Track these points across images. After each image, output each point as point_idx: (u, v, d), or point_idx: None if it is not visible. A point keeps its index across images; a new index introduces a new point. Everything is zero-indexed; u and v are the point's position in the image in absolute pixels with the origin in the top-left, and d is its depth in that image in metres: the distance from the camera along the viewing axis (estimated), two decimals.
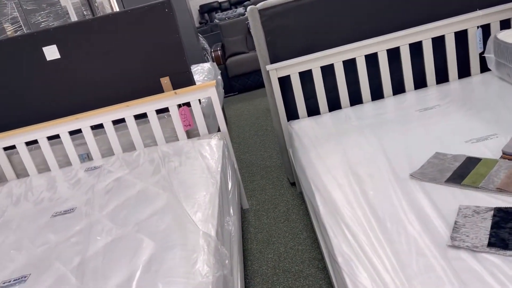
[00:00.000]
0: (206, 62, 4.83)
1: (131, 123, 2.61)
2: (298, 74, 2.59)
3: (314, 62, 2.57)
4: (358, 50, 2.54)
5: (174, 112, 2.60)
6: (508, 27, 2.53)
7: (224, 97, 5.86)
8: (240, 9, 9.54)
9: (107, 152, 2.72)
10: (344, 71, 2.63)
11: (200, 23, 12.66)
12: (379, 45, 2.53)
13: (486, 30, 2.55)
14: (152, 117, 2.60)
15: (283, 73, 2.59)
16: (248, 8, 2.51)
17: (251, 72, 5.72)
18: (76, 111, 2.68)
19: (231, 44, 5.95)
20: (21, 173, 2.75)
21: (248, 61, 5.69)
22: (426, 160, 1.73)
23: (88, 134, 2.61)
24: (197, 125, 2.65)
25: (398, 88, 2.67)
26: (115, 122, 2.73)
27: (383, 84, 2.63)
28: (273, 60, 2.62)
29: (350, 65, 2.62)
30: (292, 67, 2.58)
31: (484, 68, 2.59)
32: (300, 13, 2.52)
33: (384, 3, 2.51)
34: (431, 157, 1.74)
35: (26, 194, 2.36)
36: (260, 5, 2.51)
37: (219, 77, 4.31)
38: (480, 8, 2.51)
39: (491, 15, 2.48)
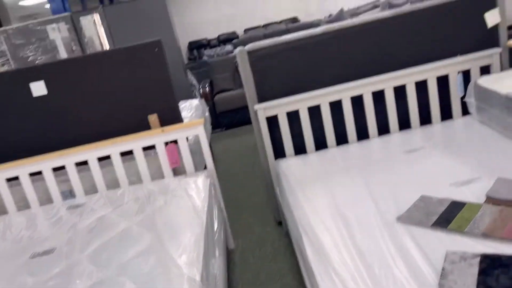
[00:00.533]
0: (194, 98, 4.87)
1: (116, 160, 2.58)
2: (285, 114, 2.62)
3: (301, 102, 2.61)
4: (344, 92, 2.59)
5: (160, 150, 2.59)
6: (487, 73, 2.62)
7: (212, 133, 5.88)
8: (229, 47, 9.72)
9: (91, 189, 2.68)
10: (331, 112, 2.67)
11: (189, 59, 12.88)
12: (365, 87, 2.59)
13: (466, 75, 2.64)
14: (138, 155, 2.58)
15: (270, 113, 2.62)
16: (237, 49, 2.57)
17: (238, 108, 5.78)
18: (62, 147, 2.65)
19: (220, 81, 6.03)
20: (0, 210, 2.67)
21: (236, 98, 5.76)
22: (413, 203, 1.74)
23: (72, 171, 2.57)
24: (184, 162, 2.64)
25: (383, 129, 2.72)
26: (100, 159, 2.70)
27: (369, 125, 2.67)
28: (261, 100, 2.65)
29: (336, 106, 2.67)
30: (280, 107, 2.61)
31: (465, 111, 2.66)
32: (288, 55, 2.58)
33: (370, 47, 2.59)
34: (417, 200, 1.75)
35: (5, 232, 2.28)
36: (249, 47, 2.57)
37: (207, 113, 4.34)
38: (461, 54, 2.60)
39: (471, 61, 2.58)
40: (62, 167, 2.69)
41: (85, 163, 2.71)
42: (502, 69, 2.62)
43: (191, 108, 3.91)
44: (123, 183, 2.62)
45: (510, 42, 2.59)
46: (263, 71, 2.61)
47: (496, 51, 2.57)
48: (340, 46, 2.58)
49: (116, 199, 2.42)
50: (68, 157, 2.55)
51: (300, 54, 2.59)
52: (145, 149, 2.70)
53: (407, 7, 2.57)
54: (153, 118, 2.62)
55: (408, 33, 2.58)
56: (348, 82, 2.62)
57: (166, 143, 2.66)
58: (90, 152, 2.55)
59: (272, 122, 2.70)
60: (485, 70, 2.63)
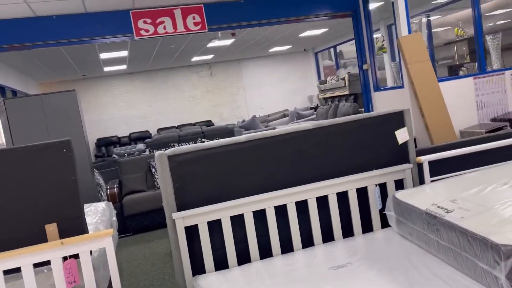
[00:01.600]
0: (100, 200, 4.44)
1: None
2: (206, 223, 2.42)
3: (223, 211, 2.44)
4: (268, 201, 2.50)
5: (57, 266, 2.17)
6: (401, 186, 2.74)
7: (118, 238, 5.33)
8: (141, 145, 9.47)
9: None
10: (254, 222, 2.53)
11: (96, 156, 12.21)
12: (288, 197, 2.53)
13: (383, 188, 2.73)
14: (27, 273, 2.13)
15: (190, 222, 2.40)
16: (156, 153, 2.40)
17: (148, 211, 5.40)
18: None
19: (130, 181, 5.68)
20: None
21: (147, 200, 5.40)
22: None
23: None
24: (85, 281, 2.23)
25: (307, 240, 2.62)
26: None
27: (293, 236, 2.56)
28: (180, 208, 2.44)
29: (260, 216, 2.55)
30: (200, 216, 2.41)
31: (384, 224, 2.70)
32: (211, 161, 2.47)
33: (294, 157, 2.59)
34: None
35: None
36: (169, 151, 2.42)
37: (114, 218, 3.94)
38: (377, 168, 2.71)
39: (387, 175, 2.69)
40: None
41: None
42: (414, 183, 2.76)
43: (97, 213, 3.51)
44: None
45: (419, 158, 2.78)
46: (184, 177, 2.44)
47: (407, 166, 2.72)
48: (264, 154, 2.55)
49: None
50: None
51: (223, 161, 2.49)
52: (37, 265, 2.26)
53: (328, 121, 2.68)
54: (51, 228, 2.24)
55: (329, 145, 2.65)
56: (272, 191, 2.54)
57: (65, 258, 2.26)
58: None
59: (191, 233, 2.46)
60: (399, 183, 2.75)
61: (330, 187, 2.59)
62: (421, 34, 6.13)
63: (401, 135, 2.78)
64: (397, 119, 2.80)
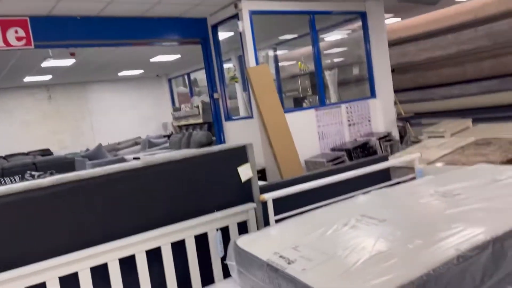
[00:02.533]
0: None
1: None
2: None
3: (16, 281, 1.82)
4: (80, 263, 1.95)
5: None
6: (245, 229, 2.47)
7: None
8: None
9: None
10: None
11: None
12: (110, 253, 2.03)
13: (226, 232, 2.42)
14: None
15: None
16: None
17: None
18: None
19: None
20: None
21: None
22: None
23: None
24: None
25: None
26: None
27: None
28: None
29: (71, 281, 1.98)
30: None
31: (227, 273, 2.38)
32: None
33: (116, 203, 2.11)
34: None
35: None
36: None
37: None
38: (218, 210, 2.40)
39: (229, 218, 2.40)
40: None
41: None
42: (258, 224, 2.53)
43: None
44: None
45: (263, 196, 2.56)
46: None
47: (251, 206, 2.48)
48: (76, 202, 2.01)
49: None
50: None
51: (17, 214, 1.88)
52: None
53: (161, 157, 2.28)
54: None
55: (162, 187, 2.25)
56: (85, 248, 2.00)
57: None
58: None
59: None
60: (243, 226, 2.48)
61: (162, 237, 2.17)
62: (268, 66, 6.27)
63: (244, 172, 2.53)
64: (240, 154, 2.55)
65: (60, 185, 1.98)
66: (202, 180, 2.38)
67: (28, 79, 10.44)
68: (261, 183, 2.75)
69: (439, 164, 3.89)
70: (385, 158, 3.32)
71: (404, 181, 3.24)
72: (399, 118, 7.47)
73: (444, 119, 7.05)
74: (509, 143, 4.31)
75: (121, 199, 2.12)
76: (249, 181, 2.56)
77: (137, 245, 2.10)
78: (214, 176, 2.42)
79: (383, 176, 3.27)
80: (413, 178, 3.23)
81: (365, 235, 1.85)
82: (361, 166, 3.07)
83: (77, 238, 1.99)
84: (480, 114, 7.24)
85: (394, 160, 3.24)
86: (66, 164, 8.28)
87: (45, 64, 8.43)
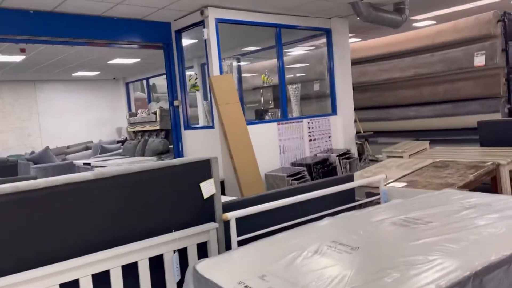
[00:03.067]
0: None
1: None
2: None
3: None
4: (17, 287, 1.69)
5: None
6: (205, 250, 2.28)
7: None
8: None
9: None
10: None
11: None
12: (48, 279, 1.77)
13: (184, 254, 2.21)
14: None
15: None
16: None
17: None
18: None
19: None
20: None
21: None
22: None
23: None
24: None
25: None
26: None
27: None
28: None
29: None
30: None
31: None
32: None
33: (61, 220, 1.85)
34: None
35: None
36: None
37: None
38: (177, 229, 2.19)
39: (188, 238, 2.19)
40: None
41: None
42: (219, 246, 2.34)
43: None
44: None
45: (226, 215, 2.38)
46: None
47: (213, 226, 2.29)
48: (12, 218, 1.75)
49: None
50: None
51: None
52: None
53: (115, 170, 2.05)
54: None
55: (116, 202, 2.02)
56: (20, 272, 1.74)
57: None
58: None
59: None
60: (203, 247, 2.28)
61: (112, 259, 1.93)
62: (231, 76, 6.12)
63: (207, 188, 2.35)
64: (203, 168, 2.36)
65: None
66: (160, 195, 2.17)
67: None
68: (223, 199, 2.58)
69: (400, 185, 3.88)
70: (350, 178, 3.25)
71: (369, 202, 3.17)
72: (358, 135, 7.54)
73: (400, 139, 7.18)
74: (466, 167, 4.40)
75: (65, 216, 1.87)
76: (211, 198, 2.37)
77: (82, 268, 1.85)
78: (173, 192, 2.22)
79: (348, 196, 3.19)
80: (378, 200, 3.18)
81: (339, 264, 1.72)
82: (327, 185, 2.97)
83: (10, 259, 1.72)
84: (435, 136, 7.44)
85: (360, 181, 3.17)
86: (8, 167, 7.67)
87: None
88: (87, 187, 1.93)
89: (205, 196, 2.33)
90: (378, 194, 3.21)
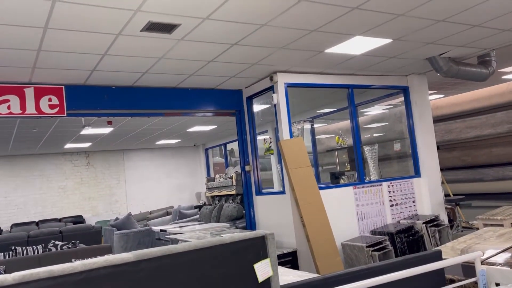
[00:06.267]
0: None
1: None
2: None
3: None
4: None
5: None
6: None
7: None
8: None
9: None
10: None
11: None
12: None
13: None
14: None
15: None
16: None
17: None
18: None
19: None
20: None
21: None
22: None
23: None
24: None
25: None
26: None
27: None
28: None
29: None
30: None
31: None
32: None
33: None
34: None
35: None
36: None
37: None
38: None
39: None
40: None
41: None
42: None
43: None
44: None
45: None
46: None
47: None
48: None
49: None
50: None
51: None
52: None
53: (157, 250, 1.89)
54: None
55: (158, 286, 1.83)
56: None
57: None
58: None
59: None
60: None
61: None
62: (302, 139, 5.94)
63: (262, 270, 2.08)
64: (258, 246, 2.12)
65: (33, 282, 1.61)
66: (206, 280, 1.94)
67: (68, 146, 10.66)
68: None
69: (501, 260, 3.25)
70: (438, 256, 2.76)
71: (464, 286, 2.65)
72: (448, 199, 6.79)
73: (498, 202, 6.31)
74: None
75: None
76: (267, 281, 2.09)
77: None
78: (222, 276, 1.98)
79: (436, 277, 2.70)
80: (475, 282, 2.64)
81: None
82: (404, 265, 2.53)
83: None
84: None
85: (449, 260, 2.67)
86: (93, 233, 8.03)
87: (84, 132, 8.55)
88: (128, 270, 1.78)
89: (260, 279, 2.06)
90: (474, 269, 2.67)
